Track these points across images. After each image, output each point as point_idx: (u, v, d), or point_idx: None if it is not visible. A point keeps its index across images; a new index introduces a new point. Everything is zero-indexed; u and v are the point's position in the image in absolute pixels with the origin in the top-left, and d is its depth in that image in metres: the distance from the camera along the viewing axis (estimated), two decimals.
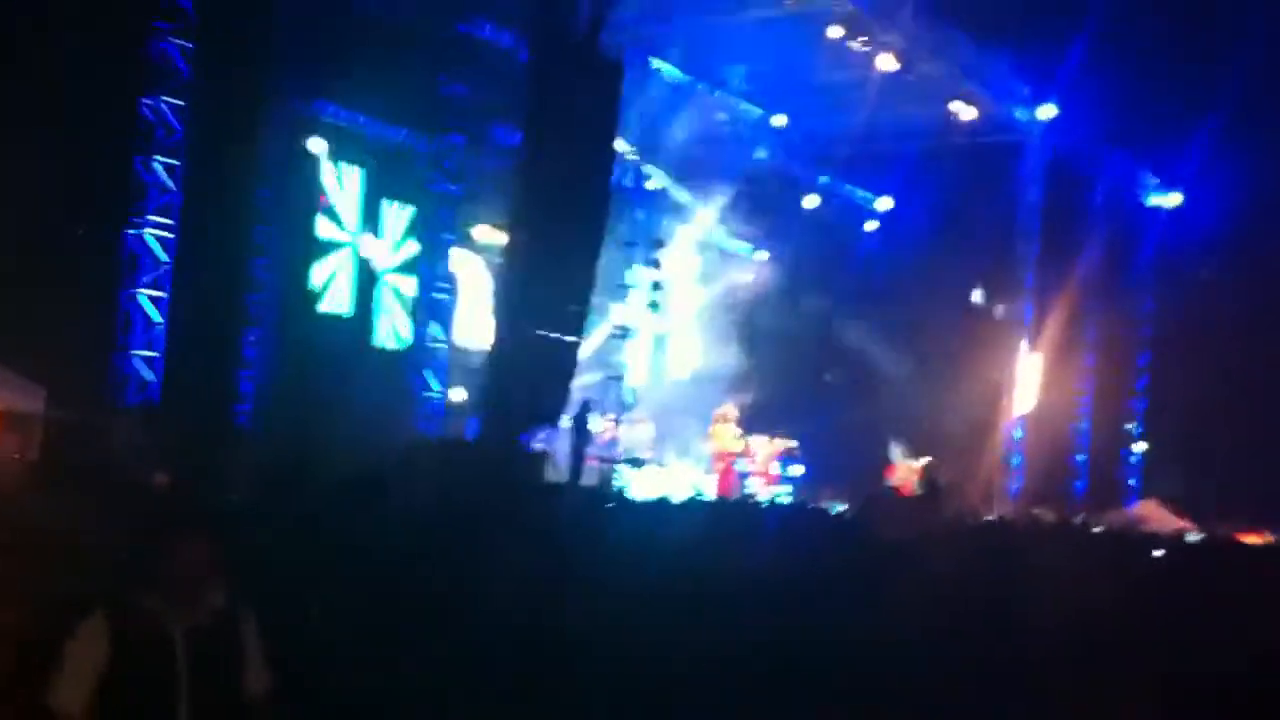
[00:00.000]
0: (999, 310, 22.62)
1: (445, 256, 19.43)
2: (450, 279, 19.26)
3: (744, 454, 19.45)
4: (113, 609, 4.08)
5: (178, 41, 14.93)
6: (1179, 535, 15.70)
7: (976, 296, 22.43)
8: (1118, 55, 19.94)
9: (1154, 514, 19.89)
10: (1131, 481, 23.99)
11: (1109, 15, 19.03)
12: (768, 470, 20.18)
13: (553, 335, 16.01)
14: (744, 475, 19.53)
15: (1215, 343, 20.48)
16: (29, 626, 4.83)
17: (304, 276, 18.22)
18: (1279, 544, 14.00)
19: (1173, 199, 24.05)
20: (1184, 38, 19.97)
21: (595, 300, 17.65)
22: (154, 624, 4.08)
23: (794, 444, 21.05)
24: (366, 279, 19.11)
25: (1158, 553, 8.88)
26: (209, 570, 4.17)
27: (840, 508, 17.58)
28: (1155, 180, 24.16)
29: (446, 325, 19.51)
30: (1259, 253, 20.81)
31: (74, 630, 4.04)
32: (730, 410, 19.42)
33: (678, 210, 22.57)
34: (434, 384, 18.98)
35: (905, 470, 19.62)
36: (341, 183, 18.71)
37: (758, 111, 22.80)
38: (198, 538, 4.17)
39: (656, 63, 19.89)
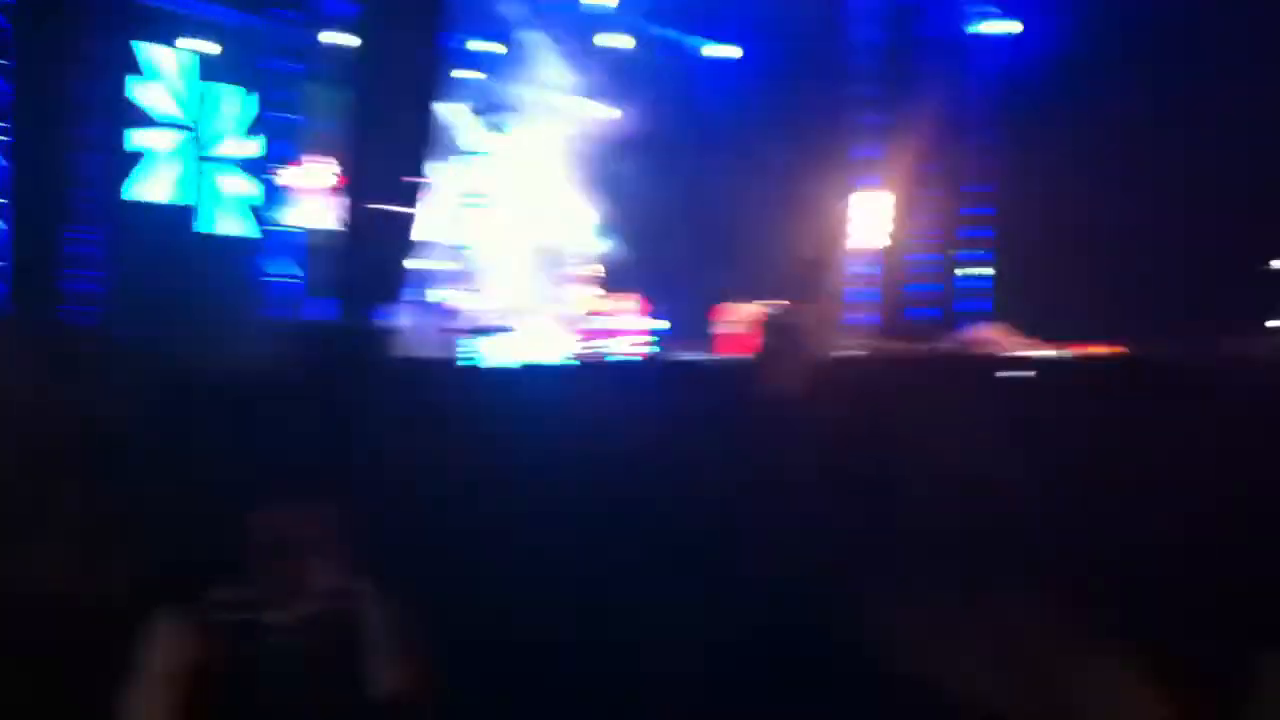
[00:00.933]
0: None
1: (291, 137, 18.95)
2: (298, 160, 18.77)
3: (604, 313, 19.50)
4: (190, 605, 3.25)
5: None
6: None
7: None
8: None
9: (999, 336, 20.53)
10: (980, 309, 24.62)
11: None
12: (629, 327, 20.30)
13: (391, 208, 15.80)
14: (604, 334, 19.60)
15: (1058, 171, 20.93)
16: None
17: (138, 171, 17.70)
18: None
19: (1013, 26, 24.29)
20: None
21: (440, 167, 17.43)
22: (246, 621, 3.25)
23: (646, 301, 21.17)
24: (198, 165, 18.57)
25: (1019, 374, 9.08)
26: (313, 542, 3.29)
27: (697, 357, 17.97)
28: (996, 9, 24.34)
29: (287, 204, 19.09)
30: (1098, 75, 21.21)
31: (148, 636, 3.22)
32: (588, 270, 19.40)
33: (520, 72, 22.19)
34: (280, 268, 18.64)
35: (745, 314, 19.82)
36: (171, 69, 18.07)
37: None
38: (291, 502, 3.30)
39: None
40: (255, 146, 19.00)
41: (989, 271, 24.79)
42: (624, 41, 23.71)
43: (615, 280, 20.12)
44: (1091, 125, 20.75)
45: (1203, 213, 19.64)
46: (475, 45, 19.36)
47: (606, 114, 24.48)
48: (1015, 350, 18.60)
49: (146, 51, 17.60)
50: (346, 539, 3.30)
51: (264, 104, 19.05)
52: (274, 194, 18.96)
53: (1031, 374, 9.16)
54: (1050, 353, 17.23)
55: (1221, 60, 19.54)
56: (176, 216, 18.27)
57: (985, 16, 24.36)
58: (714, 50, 25.26)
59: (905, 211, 22.52)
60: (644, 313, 20.85)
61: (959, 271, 24.61)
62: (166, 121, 18.04)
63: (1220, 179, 19.54)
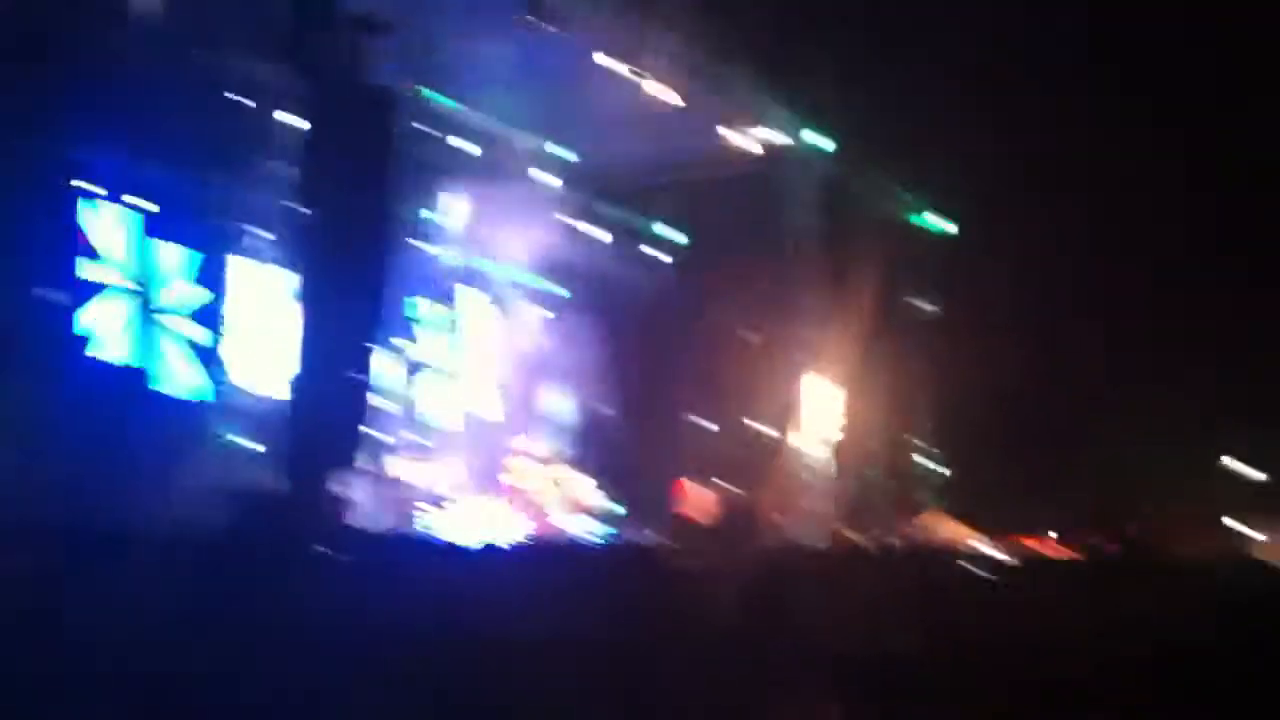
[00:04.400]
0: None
1: (224, 298, 18.74)
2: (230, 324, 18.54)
3: (545, 488, 19.31)
4: None
5: None
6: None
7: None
8: (888, 78, 20.64)
9: (943, 525, 20.59)
10: (928, 497, 24.72)
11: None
12: (575, 502, 20.12)
13: (345, 374, 15.64)
14: (544, 508, 19.40)
15: (1001, 360, 21.30)
16: None
17: (66, 317, 17.31)
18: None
19: (948, 224, 25.02)
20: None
21: (385, 336, 17.32)
22: None
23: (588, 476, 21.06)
24: (142, 322, 18.29)
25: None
26: None
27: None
28: (932, 204, 25.03)
29: (231, 370, 18.81)
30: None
31: None
32: (532, 444, 19.28)
33: (468, 244, 22.35)
34: (226, 432, 18.23)
35: (695, 497, 19.79)
36: (108, 224, 17.90)
37: (533, 140, 22.61)
38: None
39: (425, 91, 19.54)
40: (201, 302, 18.79)
41: (928, 461, 25.03)
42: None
43: (570, 457, 20.00)
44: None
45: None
46: (428, 214, 19.44)
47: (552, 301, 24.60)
48: (957, 541, 18.66)
49: (82, 203, 17.47)
50: None
51: (207, 263, 18.85)
52: (217, 355, 18.65)
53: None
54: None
55: None
56: (117, 371, 17.85)
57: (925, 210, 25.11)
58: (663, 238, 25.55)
59: (850, 397, 22.71)
60: (598, 491, 20.69)
61: (909, 459, 24.84)
62: (106, 274, 17.80)
63: None
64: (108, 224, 17.87)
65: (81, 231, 17.39)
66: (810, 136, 22.22)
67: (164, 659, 6.04)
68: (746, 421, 22.09)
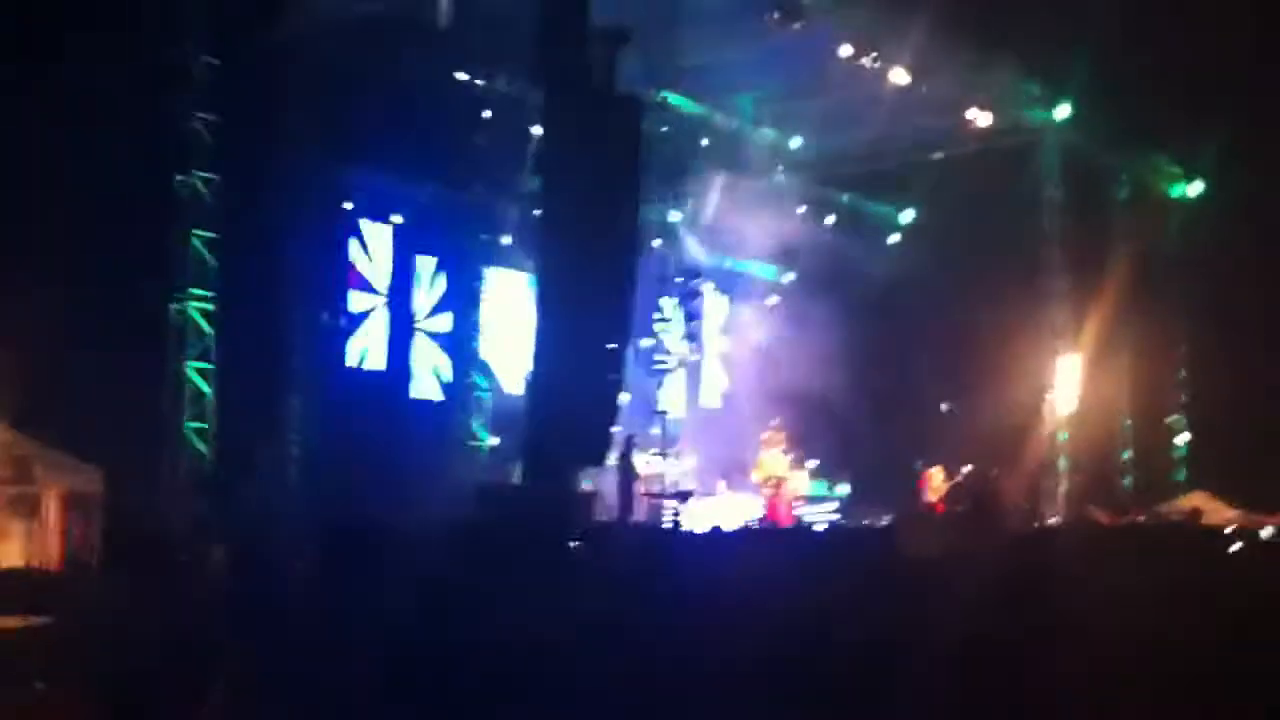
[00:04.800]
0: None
1: (477, 306, 19.62)
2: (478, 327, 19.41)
3: (790, 478, 19.46)
4: None
5: (205, 116, 15.24)
6: (1238, 526, 15.70)
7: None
8: (1128, 45, 19.97)
9: (1206, 505, 19.84)
10: (1179, 476, 23.89)
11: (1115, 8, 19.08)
12: (812, 492, 20.29)
13: (595, 373, 16.15)
14: (791, 499, 19.57)
15: (1248, 332, 20.39)
16: None
17: (339, 338, 18.40)
18: None
19: (1195, 188, 24.04)
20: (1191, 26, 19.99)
21: (632, 336, 17.80)
22: None
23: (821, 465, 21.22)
24: (401, 333, 19.31)
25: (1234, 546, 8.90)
26: None
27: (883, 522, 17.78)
28: (1177, 170, 24.15)
29: (486, 372, 19.71)
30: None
31: None
32: (775, 435, 19.47)
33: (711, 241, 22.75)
34: (481, 433, 19.15)
35: (939, 481, 19.63)
36: (372, 241, 18.96)
37: (772, 134, 22.96)
38: None
39: (669, 96, 20.04)
40: (448, 315, 19.68)
41: (1187, 438, 24.12)
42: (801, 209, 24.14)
43: (801, 444, 20.13)
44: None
45: None
46: (667, 215, 19.90)
47: (786, 278, 24.83)
48: (1221, 519, 17.99)
49: (354, 223, 18.49)
50: None
51: (457, 273, 19.72)
52: (472, 359, 19.56)
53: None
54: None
55: None
56: (377, 380, 18.88)
57: (1170, 179, 24.20)
58: (900, 216, 25.58)
59: (1100, 377, 22.06)
60: (828, 477, 20.86)
61: (1164, 439, 24.00)
62: (368, 295, 18.82)
63: None
64: (374, 241, 18.93)
65: (349, 250, 18.50)
66: (1054, 111, 21.73)
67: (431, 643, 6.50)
68: (996, 405, 21.74)
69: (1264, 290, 20.34)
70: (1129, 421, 23.56)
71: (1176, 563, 7.83)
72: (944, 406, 21.98)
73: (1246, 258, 21.18)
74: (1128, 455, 23.55)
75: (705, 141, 21.55)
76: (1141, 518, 19.00)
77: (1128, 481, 23.39)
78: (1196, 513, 18.87)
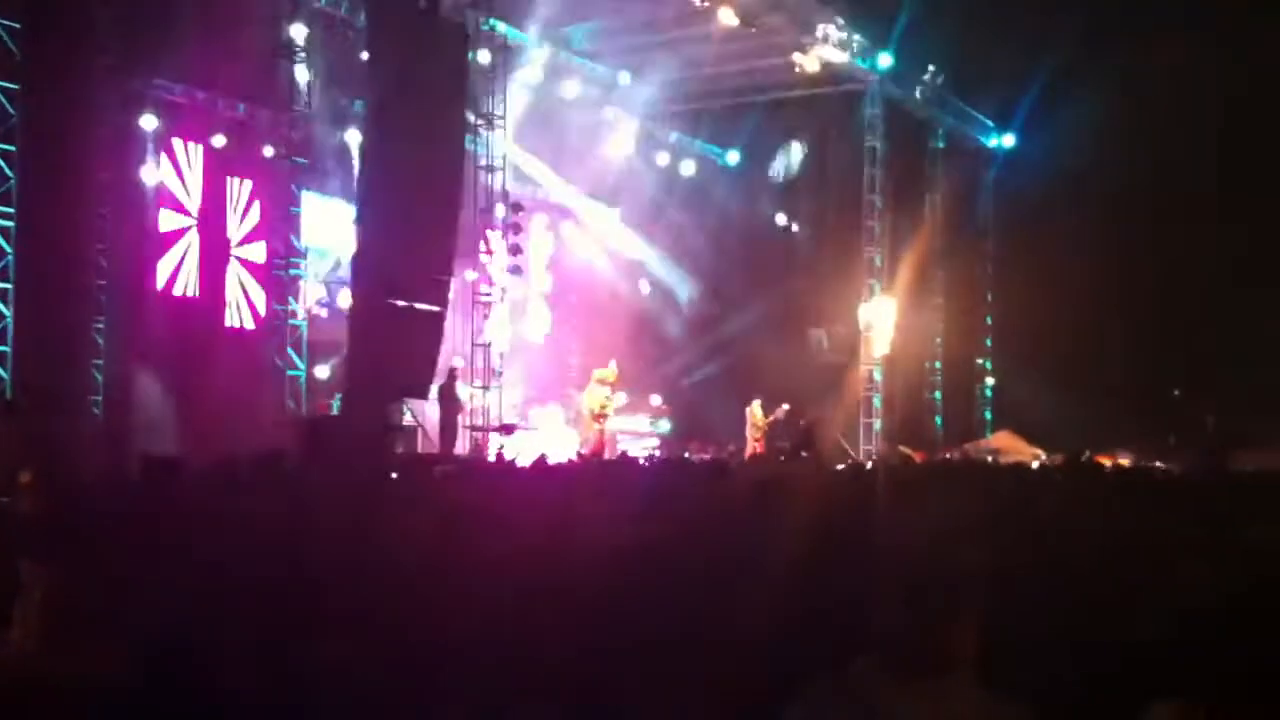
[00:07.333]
0: None
1: (295, 231, 18.98)
2: (302, 253, 18.81)
3: (613, 413, 19.53)
4: None
5: (6, 22, 14.31)
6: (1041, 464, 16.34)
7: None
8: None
9: (1009, 444, 20.64)
10: (986, 415, 24.83)
11: None
12: (637, 428, 20.43)
13: (416, 305, 15.87)
14: (613, 434, 19.68)
15: (1054, 277, 21.18)
16: None
17: (146, 261, 17.62)
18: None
19: (1007, 140, 24.86)
20: None
21: (455, 267, 17.54)
22: None
23: (659, 401, 21.52)
24: (214, 258, 18.58)
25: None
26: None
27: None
28: (990, 123, 24.93)
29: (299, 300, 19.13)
30: (1091, 187, 21.62)
31: None
32: (608, 372, 19.45)
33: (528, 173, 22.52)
34: (297, 361, 18.62)
35: (759, 417, 19.95)
36: (184, 161, 18.17)
37: (600, 69, 22.78)
38: None
39: (497, 25, 19.67)
40: (262, 243, 19.01)
41: (993, 381, 25.06)
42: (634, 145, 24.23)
43: (625, 380, 20.21)
44: (1080, 236, 21.11)
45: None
46: (493, 147, 19.55)
47: (612, 215, 24.81)
48: (1023, 456, 18.70)
49: (167, 141, 17.70)
50: None
51: (271, 196, 19.01)
52: (287, 286, 18.96)
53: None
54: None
55: None
56: (188, 307, 18.15)
57: (985, 131, 24.95)
58: (727, 157, 25.85)
59: (914, 319, 22.66)
60: (652, 412, 21.06)
61: (972, 380, 24.94)
62: (178, 217, 18.06)
63: None
64: (186, 161, 18.16)
65: (160, 167, 17.71)
66: (877, 60, 22.08)
67: None
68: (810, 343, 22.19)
69: (1067, 241, 21.16)
70: (939, 364, 24.35)
71: (989, 497, 8.07)
72: (813, 333, 22.40)
73: (1054, 209, 22.02)
74: (938, 396, 24.36)
75: (533, 72, 21.24)
76: (950, 455, 19.63)
77: (939, 420, 24.20)
78: (998, 450, 19.65)
